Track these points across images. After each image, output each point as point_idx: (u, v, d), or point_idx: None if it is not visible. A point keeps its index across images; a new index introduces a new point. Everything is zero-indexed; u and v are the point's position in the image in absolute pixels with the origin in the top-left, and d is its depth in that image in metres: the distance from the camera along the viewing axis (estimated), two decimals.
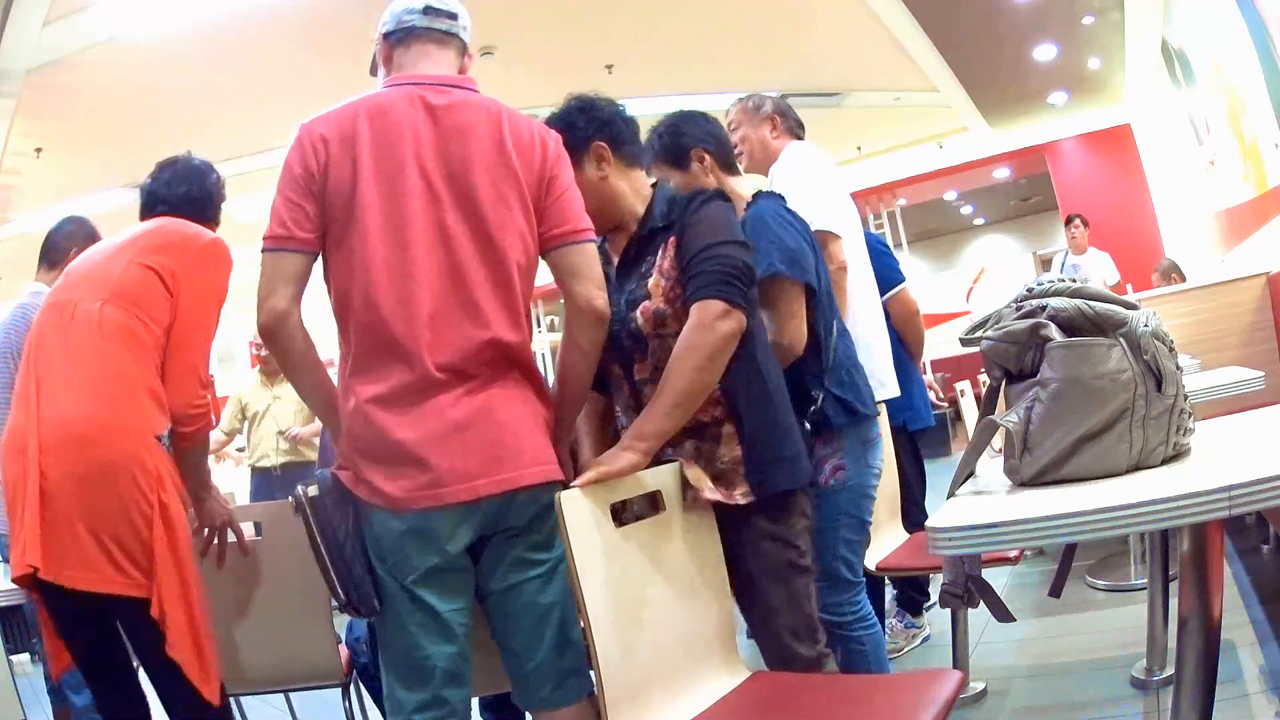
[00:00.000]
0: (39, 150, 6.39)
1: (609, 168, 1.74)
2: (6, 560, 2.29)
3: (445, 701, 1.48)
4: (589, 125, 1.74)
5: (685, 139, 2.06)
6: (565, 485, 1.54)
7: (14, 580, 1.72)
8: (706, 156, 2.08)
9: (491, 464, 1.45)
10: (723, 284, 1.57)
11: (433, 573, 1.46)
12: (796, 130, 2.64)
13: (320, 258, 1.52)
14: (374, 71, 1.67)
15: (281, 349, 1.50)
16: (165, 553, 1.68)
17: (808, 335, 1.95)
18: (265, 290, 1.47)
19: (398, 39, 1.62)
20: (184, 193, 2.03)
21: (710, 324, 1.55)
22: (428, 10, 1.61)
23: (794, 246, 1.94)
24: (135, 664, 1.86)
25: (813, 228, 2.27)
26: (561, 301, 1.63)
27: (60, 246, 2.56)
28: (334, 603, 1.53)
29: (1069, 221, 6.69)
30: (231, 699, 2.60)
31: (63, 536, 1.65)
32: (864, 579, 2.06)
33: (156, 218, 1.98)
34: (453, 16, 1.64)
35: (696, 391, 1.57)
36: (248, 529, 2.10)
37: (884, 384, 2.53)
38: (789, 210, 2.03)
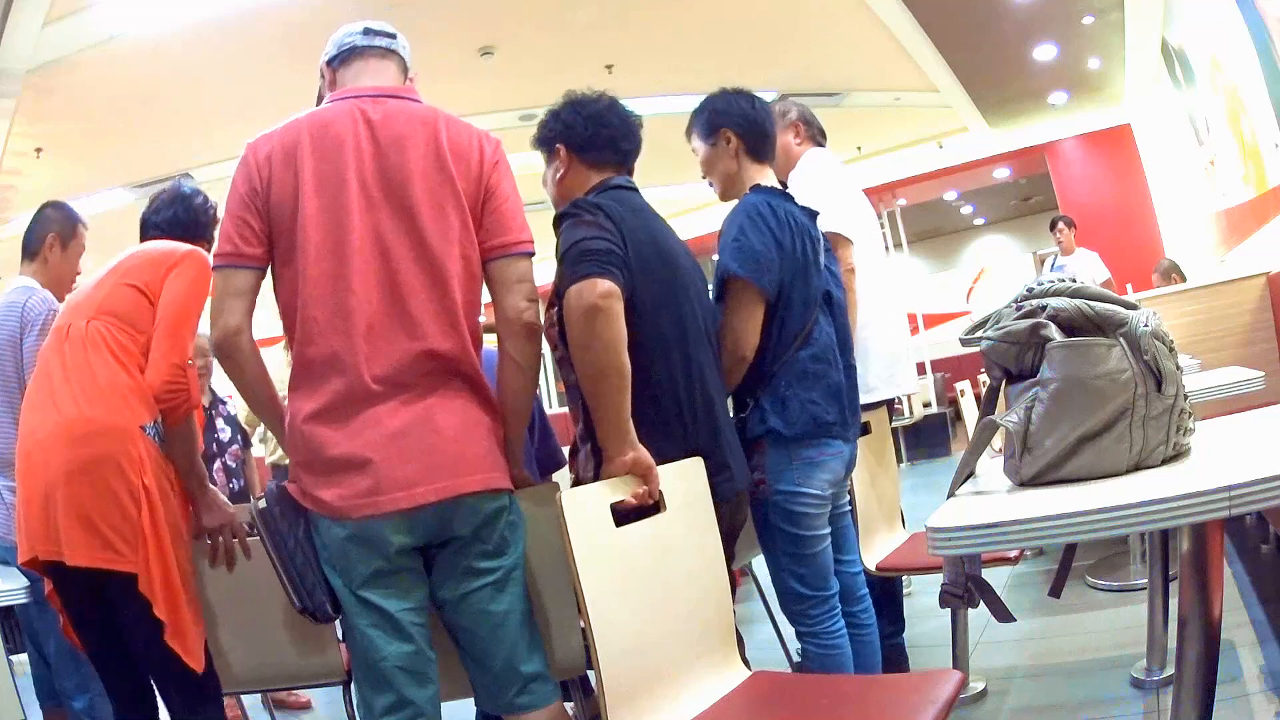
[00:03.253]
0: (39, 150, 6.40)
1: (563, 168, 1.86)
2: (5, 562, 2.33)
3: (410, 702, 1.49)
4: (554, 127, 1.87)
5: (719, 116, 2.10)
6: (512, 494, 1.56)
7: (22, 564, 1.87)
8: (733, 138, 2.08)
9: (430, 471, 1.46)
10: (571, 269, 1.61)
11: (379, 575, 1.48)
12: (818, 138, 2.70)
13: (271, 273, 1.56)
14: (319, 104, 1.71)
15: (234, 363, 1.56)
16: (149, 528, 1.80)
17: (760, 339, 1.94)
18: (217, 308, 1.54)
19: (340, 61, 1.67)
20: (170, 216, 2.17)
21: (570, 310, 1.59)
22: (367, 31, 1.67)
23: (759, 249, 1.92)
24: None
25: (825, 230, 2.26)
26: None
27: (37, 234, 2.63)
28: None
29: (1054, 225, 6.74)
30: (237, 698, 2.61)
31: (61, 522, 1.78)
32: (824, 592, 1.97)
33: (148, 241, 2.13)
34: (391, 36, 1.69)
35: (598, 374, 1.58)
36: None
37: (873, 389, 2.54)
38: (774, 208, 1.98)
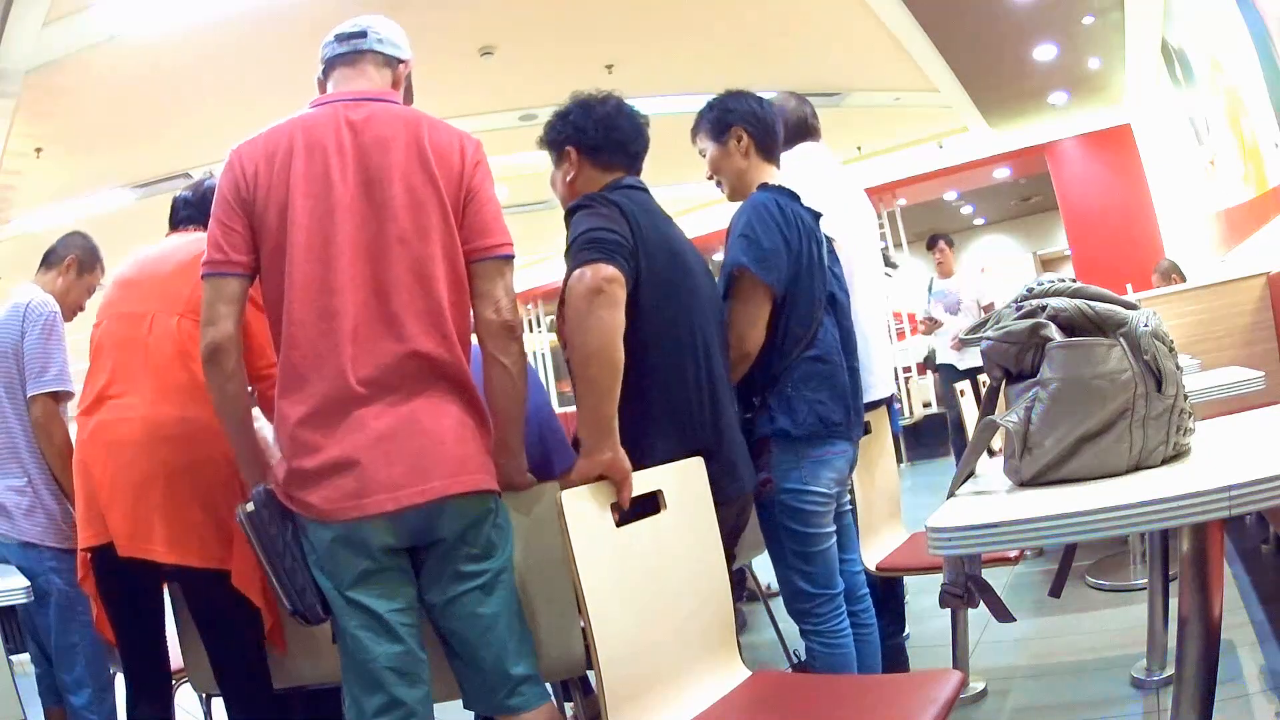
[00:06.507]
0: (39, 150, 6.39)
1: (574, 170, 1.86)
2: (5, 560, 2.34)
3: (401, 703, 1.49)
4: (563, 130, 1.86)
5: (730, 114, 2.10)
6: (499, 496, 1.56)
7: (81, 549, 1.92)
8: (744, 136, 2.09)
9: (415, 474, 1.46)
10: (577, 255, 1.61)
11: (366, 575, 1.49)
12: (792, 140, 2.61)
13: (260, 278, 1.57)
14: None
15: (219, 372, 1.55)
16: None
17: (766, 340, 1.94)
18: (208, 316, 1.54)
19: (325, 73, 1.69)
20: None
21: (571, 293, 1.59)
22: (338, 38, 1.68)
23: (767, 246, 1.93)
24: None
25: None
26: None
27: (60, 254, 2.72)
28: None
29: (931, 245, 6.04)
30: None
31: (153, 519, 1.82)
32: (830, 590, 1.97)
33: (185, 226, 2.15)
34: (360, 35, 1.68)
35: (589, 357, 1.56)
36: None
37: (871, 386, 2.53)
38: (782, 207, 1.98)
